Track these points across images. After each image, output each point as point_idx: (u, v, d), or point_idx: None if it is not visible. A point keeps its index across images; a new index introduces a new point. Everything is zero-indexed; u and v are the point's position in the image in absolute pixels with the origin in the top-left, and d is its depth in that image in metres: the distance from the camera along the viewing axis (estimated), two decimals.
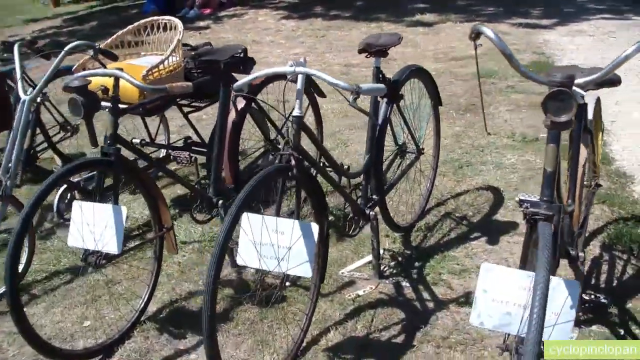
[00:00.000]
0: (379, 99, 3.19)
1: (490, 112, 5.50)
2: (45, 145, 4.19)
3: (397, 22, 9.53)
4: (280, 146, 3.79)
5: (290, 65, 2.48)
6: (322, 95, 3.91)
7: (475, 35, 2.17)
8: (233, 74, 3.48)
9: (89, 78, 2.82)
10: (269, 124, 3.76)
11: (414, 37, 8.54)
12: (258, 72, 2.59)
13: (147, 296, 3.13)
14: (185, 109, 4.10)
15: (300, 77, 2.50)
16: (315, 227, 2.43)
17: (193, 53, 3.93)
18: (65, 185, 3.73)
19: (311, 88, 3.71)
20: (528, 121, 5.28)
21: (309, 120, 4.11)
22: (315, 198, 2.67)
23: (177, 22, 3.98)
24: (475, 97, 5.79)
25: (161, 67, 3.67)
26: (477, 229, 3.70)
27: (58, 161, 4.27)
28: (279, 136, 3.76)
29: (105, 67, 3.45)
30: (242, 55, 3.46)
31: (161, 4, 11.75)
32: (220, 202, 3.36)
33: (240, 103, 3.48)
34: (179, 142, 4.39)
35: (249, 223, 2.37)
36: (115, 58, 3.53)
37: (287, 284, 2.56)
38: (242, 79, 2.60)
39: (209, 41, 4.19)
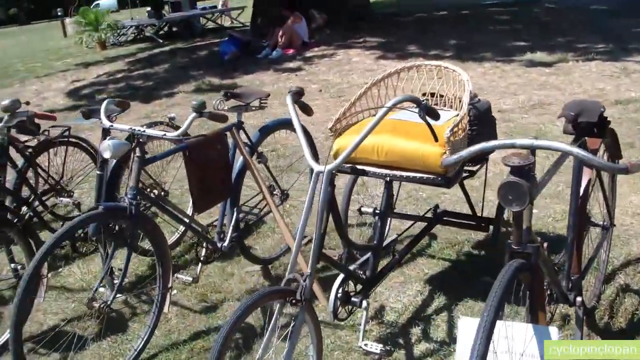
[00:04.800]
0: None
1: None
2: None
3: (509, 61, 8.88)
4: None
5: None
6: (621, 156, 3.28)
7: None
8: None
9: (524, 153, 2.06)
10: None
11: (545, 78, 7.91)
12: None
13: None
14: None
15: None
16: None
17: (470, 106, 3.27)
18: (343, 275, 3.00)
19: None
20: None
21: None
22: None
23: (461, 72, 3.30)
24: None
25: (460, 126, 3.00)
26: None
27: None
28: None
29: (433, 131, 2.69)
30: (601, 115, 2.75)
31: (238, 45, 11.19)
32: (579, 299, 2.67)
33: (587, 174, 2.81)
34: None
35: None
36: (438, 117, 2.76)
37: None
38: None
39: (476, 93, 3.49)
